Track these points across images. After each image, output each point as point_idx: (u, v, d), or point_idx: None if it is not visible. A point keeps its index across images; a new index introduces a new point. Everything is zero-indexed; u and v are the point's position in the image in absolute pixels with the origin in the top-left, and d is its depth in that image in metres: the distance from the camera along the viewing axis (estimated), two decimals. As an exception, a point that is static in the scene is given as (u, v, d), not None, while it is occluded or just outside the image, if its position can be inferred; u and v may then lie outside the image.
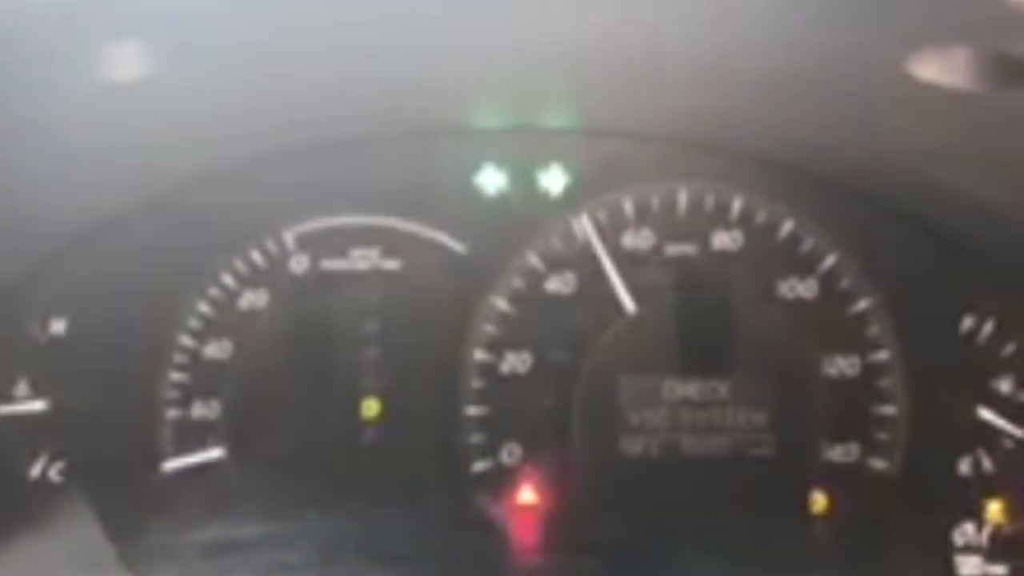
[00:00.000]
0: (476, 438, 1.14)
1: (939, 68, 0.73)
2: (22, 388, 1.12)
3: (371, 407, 1.14)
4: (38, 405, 1.12)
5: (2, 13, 0.62)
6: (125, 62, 0.75)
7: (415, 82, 0.99)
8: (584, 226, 1.14)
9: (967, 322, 1.14)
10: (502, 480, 1.14)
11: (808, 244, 1.14)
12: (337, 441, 1.13)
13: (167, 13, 0.72)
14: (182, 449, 1.13)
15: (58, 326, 1.12)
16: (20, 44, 0.67)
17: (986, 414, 1.13)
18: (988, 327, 1.14)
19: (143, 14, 0.70)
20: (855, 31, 0.75)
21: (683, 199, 1.15)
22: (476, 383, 1.14)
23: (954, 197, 1.01)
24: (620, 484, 1.13)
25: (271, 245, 1.14)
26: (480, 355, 1.14)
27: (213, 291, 1.14)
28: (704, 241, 1.15)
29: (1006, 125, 0.80)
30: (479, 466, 1.14)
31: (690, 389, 1.13)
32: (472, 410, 1.14)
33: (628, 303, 1.13)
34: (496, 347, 1.14)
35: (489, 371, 1.14)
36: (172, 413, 1.13)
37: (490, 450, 1.14)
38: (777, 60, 0.85)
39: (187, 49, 0.77)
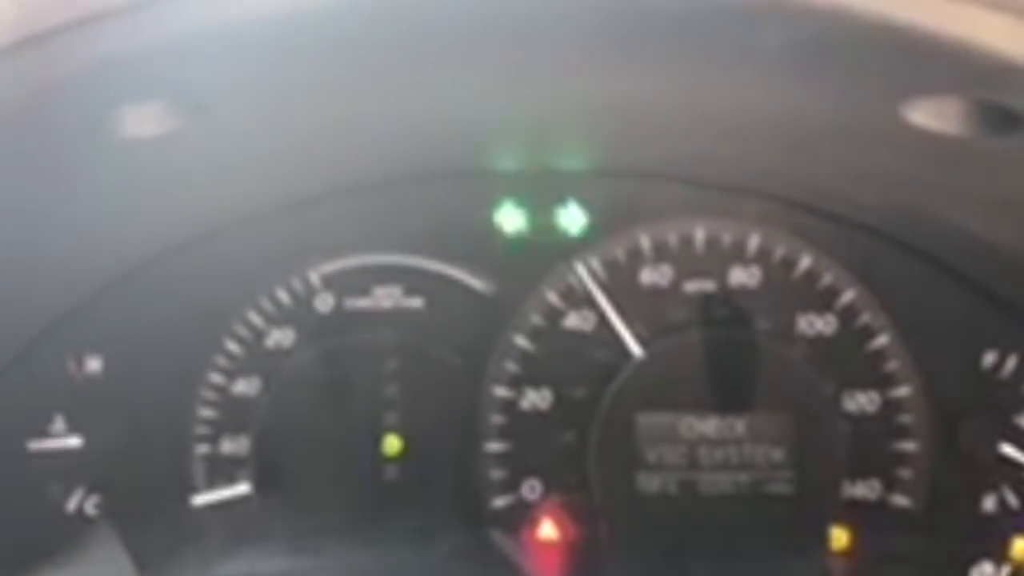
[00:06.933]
0: (497, 474, 1.15)
1: (932, 115, 0.74)
2: (59, 424, 1.15)
3: (392, 444, 1.15)
4: (74, 441, 1.15)
5: (26, 88, 0.66)
6: (148, 121, 0.78)
7: (436, 125, 1.01)
8: (599, 265, 1.15)
9: (989, 358, 1.13)
10: (522, 516, 1.15)
11: (826, 280, 1.14)
12: (359, 477, 1.15)
13: (186, 74, 0.75)
14: (211, 484, 1.16)
15: (94, 364, 1.16)
16: (44, 112, 0.71)
17: (1010, 451, 1.12)
18: (1011, 363, 1.13)
19: (161, 76, 0.73)
20: (855, 80, 0.76)
21: (700, 236, 1.16)
22: (497, 419, 1.15)
23: (966, 237, 1.00)
24: (638, 521, 1.13)
25: (297, 284, 1.17)
26: (501, 392, 1.16)
27: (241, 330, 1.16)
28: (722, 277, 1.15)
29: (1003, 169, 0.80)
30: (499, 502, 1.15)
31: (707, 426, 1.13)
32: (493, 446, 1.15)
33: (633, 345, 1.13)
34: (516, 384, 1.15)
35: (509, 407, 1.15)
36: (202, 448, 1.16)
37: (511, 486, 1.15)
38: (785, 109, 0.86)
39: (208, 104, 0.80)
